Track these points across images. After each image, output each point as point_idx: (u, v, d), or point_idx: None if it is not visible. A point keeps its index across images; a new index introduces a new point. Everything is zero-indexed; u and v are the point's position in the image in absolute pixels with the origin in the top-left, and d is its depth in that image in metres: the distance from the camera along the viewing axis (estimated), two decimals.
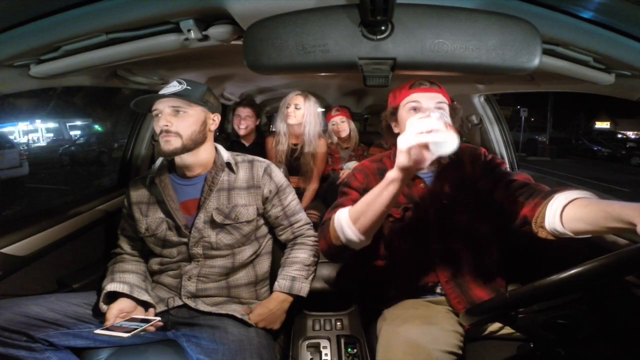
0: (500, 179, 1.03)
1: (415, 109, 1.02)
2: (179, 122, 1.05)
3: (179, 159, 1.12)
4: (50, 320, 0.96)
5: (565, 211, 0.79)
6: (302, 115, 2.02)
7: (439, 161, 1.09)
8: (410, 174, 0.83)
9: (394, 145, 1.05)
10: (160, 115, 1.06)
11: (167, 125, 1.03)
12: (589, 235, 0.77)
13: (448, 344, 0.93)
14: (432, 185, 1.10)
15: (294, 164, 2.14)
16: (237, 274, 1.16)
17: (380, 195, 0.87)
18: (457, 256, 1.08)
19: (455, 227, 1.07)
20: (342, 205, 1.06)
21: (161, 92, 1.06)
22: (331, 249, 1.01)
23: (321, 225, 1.09)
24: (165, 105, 1.05)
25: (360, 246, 0.97)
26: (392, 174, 0.84)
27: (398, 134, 1.06)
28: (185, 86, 1.07)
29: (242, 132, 2.27)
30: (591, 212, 0.74)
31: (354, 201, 1.05)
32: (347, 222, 0.95)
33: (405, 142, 0.77)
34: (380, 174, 1.09)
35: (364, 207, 0.92)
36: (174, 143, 1.05)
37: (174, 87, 1.06)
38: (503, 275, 1.14)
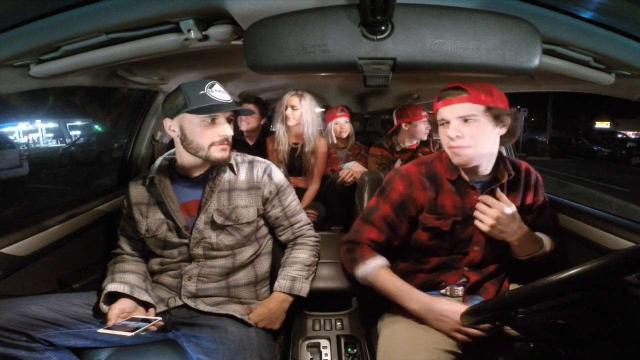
0: (537, 211, 1.11)
1: (443, 125, 1.01)
2: (230, 131, 1.07)
3: (180, 160, 1.12)
4: (51, 320, 0.96)
5: None
6: (300, 115, 2.02)
7: (495, 176, 1.07)
8: None
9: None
10: (217, 122, 1.04)
11: (231, 134, 1.05)
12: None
13: (448, 343, 0.93)
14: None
15: (296, 164, 2.14)
16: (237, 274, 1.16)
17: (399, 302, 0.99)
18: (486, 264, 1.09)
19: (496, 240, 1.05)
20: (372, 222, 1.09)
21: (221, 98, 1.04)
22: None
23: (349, 242, 1.11)
24: (224, 114, 1.05)
25: None
26: (415, 307, 0.97)
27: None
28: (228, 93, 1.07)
29: (244, 127, 2.24)
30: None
31: (383, 218, 1.07)
32: (367, 282, 1.05)
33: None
34: (429, 179, 1.07)
35: (384, 289, 1.02)
36: (228, 151, 1.08)
37: (224, 93, 1.06)
38: (509, 279, 1.15)
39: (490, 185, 1.05)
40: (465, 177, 1.05)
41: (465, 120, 0.97)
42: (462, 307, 0.90)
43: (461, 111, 0.96)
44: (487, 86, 0.98)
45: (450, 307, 0.93)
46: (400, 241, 1.10)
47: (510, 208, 0.98)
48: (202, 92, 1.01)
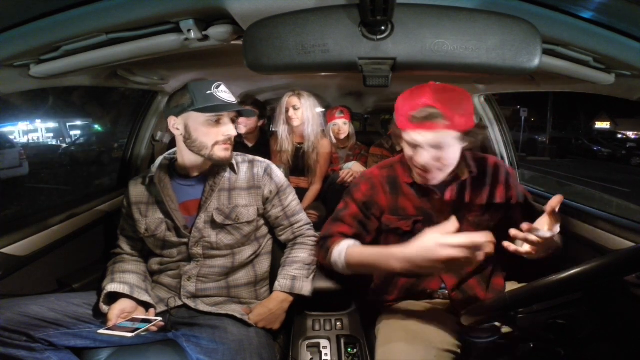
0: (516, 205, 1.06)
1: (415, 147, 0.95)
2: (234, 130, 1.09)
3: (181, 159, 1.12)
4: (51, 320, 0.96)
5: None
6: (302, 114, 2.03)
7: (456, 175, 1.04)
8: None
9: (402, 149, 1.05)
10: (222, 122, 1.06)
11: (234, 134, 1.08)
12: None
13: (447, 343, 0.93)
14: (449, 199, 1.04)
15: (300, 163, 2.14)
16: (237, 274, 1.16)
17: (382, 267, 0.88)
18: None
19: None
20: (342, 219, 1.08)
21: (227, 99, 1.06)
22: (325, 268, 1.10)
23: (321, 239, 1.11)
24: (229, 114, 1.07)
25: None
26: (398, 266, 0.83)
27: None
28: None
29: (242, 130, 2.25)
30: None
31: (352, 216, 1.07)
32: (342, 264, 0.99)
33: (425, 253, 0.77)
34: (390, 183, 1.07)
35: (362, 262, 0.96)
36: (231, 151, 1.10)
37: (230, 94, 1.08)
38: (504, 277, 1.14)
39: (450, 184, 1.03)
40: (420, 181, 1.03)
41: (439, 147, 0.91)
42: (432, 230, 0.80)
43: (435, 140, 0.89)
44: (462, 99, 0.90)
45: (421, 237, 0.80)
46: (371, 237, 1.10)
47: (547, 232, 0.84)
48: (209, 92, 1.04)
